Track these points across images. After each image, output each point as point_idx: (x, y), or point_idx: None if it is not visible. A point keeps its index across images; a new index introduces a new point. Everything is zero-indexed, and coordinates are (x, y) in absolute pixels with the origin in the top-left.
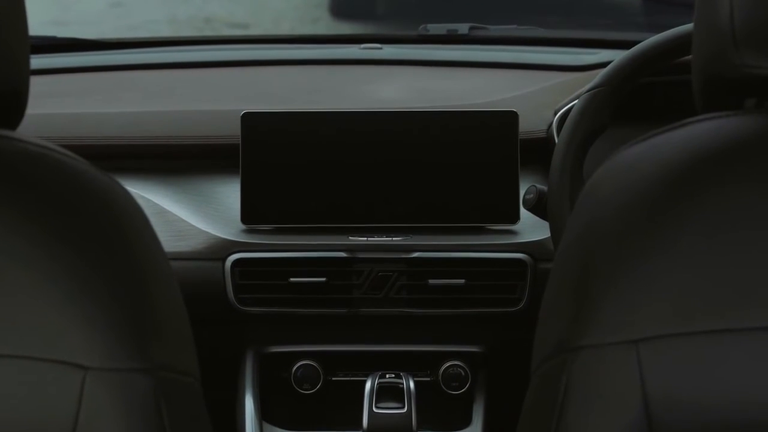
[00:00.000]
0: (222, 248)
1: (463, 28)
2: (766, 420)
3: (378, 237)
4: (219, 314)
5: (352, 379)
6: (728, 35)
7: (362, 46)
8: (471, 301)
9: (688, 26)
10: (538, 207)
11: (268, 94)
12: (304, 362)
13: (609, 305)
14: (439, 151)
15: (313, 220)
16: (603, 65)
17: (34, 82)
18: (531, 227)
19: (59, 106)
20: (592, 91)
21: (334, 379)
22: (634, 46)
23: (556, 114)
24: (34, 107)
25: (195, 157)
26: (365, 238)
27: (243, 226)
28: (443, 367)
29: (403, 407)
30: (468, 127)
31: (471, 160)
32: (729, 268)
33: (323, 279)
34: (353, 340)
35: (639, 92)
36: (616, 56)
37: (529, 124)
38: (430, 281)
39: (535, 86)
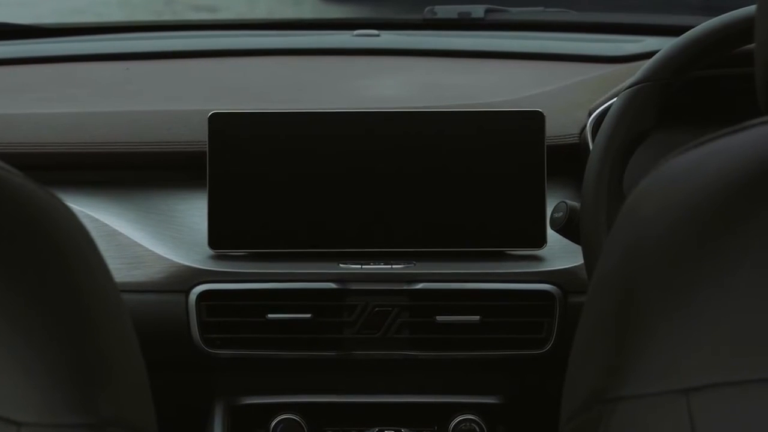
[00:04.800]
0: (185, 278)
1: (477, 10)
2: None
3: (374, 264)
4: (182, 358)
5: None
6: None
7: (356, 32)
8: (487, 342)
9: (750, 8)
10: (569, 227)
11: (241, 90)
12: (285, 416)
13: (654, 347)
14: (449, 159)
15: (296, 244)
16: (647, 56)
17: None
18: (560, 252)
19: None
20: (635, 88)
21: None
22: (685, 32)
23: (590, 115)
24: None
25: (152, 168)
26: (359, 266)
27: (211, 252)
28: (454, 422)
29: None
30: (484, 130)
31: (487, 170)
32: None
33: (308, 315)
34: (344, 389)
35: (690, 89)
36: (663, 45)
37: (558, 126)
38: (438, 318)
39: (566, 81)
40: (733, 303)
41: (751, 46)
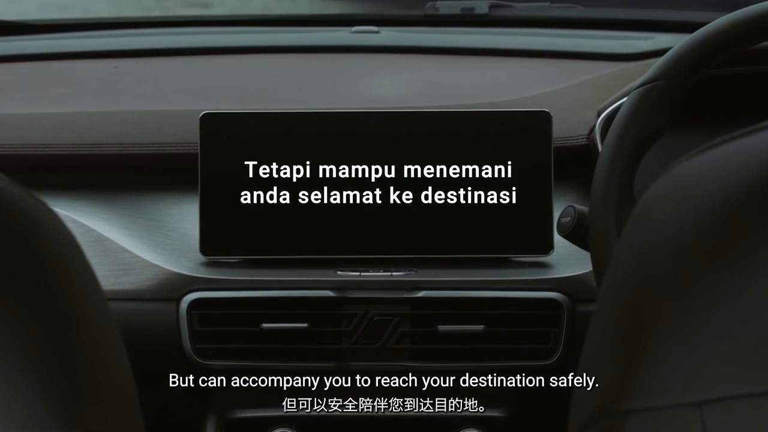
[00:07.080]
0: (176, 286)
1: (481, 6)
2: None
3: (374, 271)
4: (172, 369)
5: None
6: None
7: (354, 29)
8: (492, 353)
9: (766, 4)
10: (577, 233)
11: (235, 90)
12: (281, 430)
13: (666, 359)
14: (451, 162)
15: (292, 250)
16: (659, 53)
17: None
18: (568, 259)
19: None
20: (646, 87)
21: None
22: (698, 29)
23: (599, 115)
24: None
25: (142, 171)
26: (357, 273)
27: (203, 258)
28: None
29: None
30: (488, 131)
31: (491, 173)
32: None
33: (304, 325)
34: (342, 401)
35: (704, 88)
36: (675, 42)
37: (566, 127)
38: (440, 327)
39: (573, 80)
40: (748, 312)
41: (767, 43)
